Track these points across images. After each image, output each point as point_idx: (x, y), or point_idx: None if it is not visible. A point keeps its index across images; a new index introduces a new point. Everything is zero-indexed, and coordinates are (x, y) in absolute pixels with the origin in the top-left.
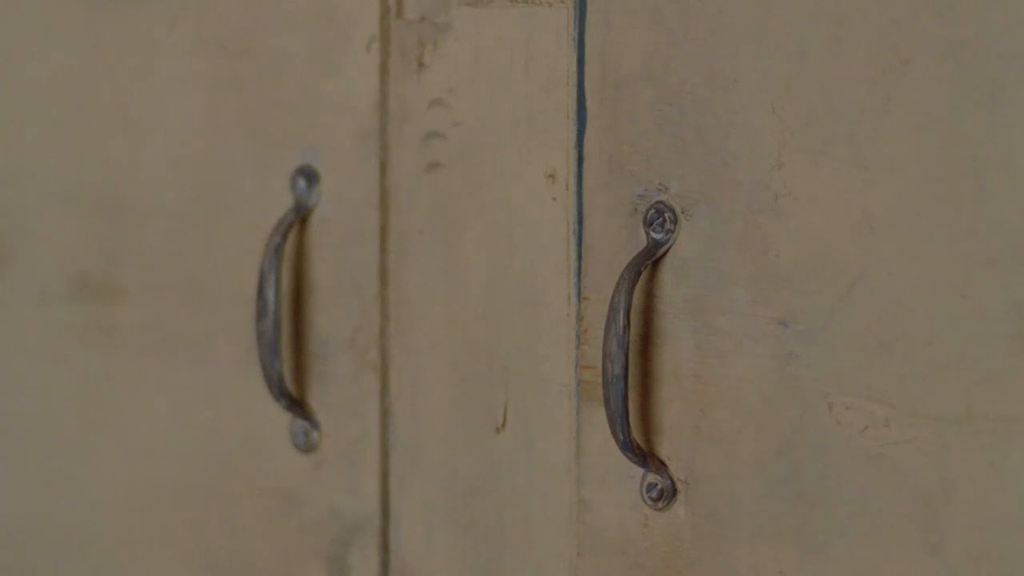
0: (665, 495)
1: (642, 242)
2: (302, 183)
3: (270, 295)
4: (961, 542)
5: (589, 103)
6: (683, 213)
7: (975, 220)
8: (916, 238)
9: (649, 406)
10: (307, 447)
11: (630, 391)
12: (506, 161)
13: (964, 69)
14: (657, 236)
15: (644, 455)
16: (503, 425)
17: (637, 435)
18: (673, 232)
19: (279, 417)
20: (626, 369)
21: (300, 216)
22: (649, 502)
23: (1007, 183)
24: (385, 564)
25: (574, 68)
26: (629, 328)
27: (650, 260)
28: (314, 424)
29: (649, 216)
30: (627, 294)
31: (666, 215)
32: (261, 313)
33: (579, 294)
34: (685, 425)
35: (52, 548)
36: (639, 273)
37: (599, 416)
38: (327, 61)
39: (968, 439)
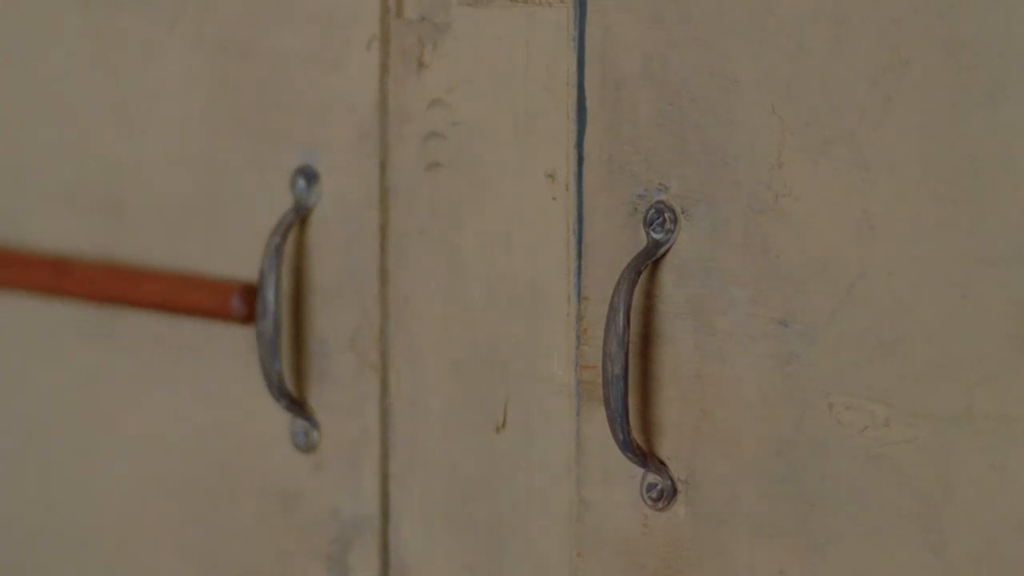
0: (665, 495)
1: (642, 242)
2: (302, 183)
3: (270, 295)
4: (961, 542)
5: (589, 103)
6: (683, 213)
7: (975, 220)
8: (916, 238)
9: (649, 406)
10: (307, 447)
11: (630, 391)
12: (506, 161)
13: (965, 69)
14: (657, 236)
15: (644, 455)
16: (503, 425)
17: (637, 435)
18: (673, 232)
19: (279, 417)
20: (626, 369)
21: (300, 216)
22: (649, 502)
23: (1007, 183)
24: (385, 564)
25: (574, 68)
26: (629, 328)
27: (650, 260)
28: (314, 424)
29: (649, 216)
30: (627, 294)
31: (666, 215)
32: (261, 313)
33: (579, 294)
34: (685, 425)
35: (52, 548)
36: (639, 273)
37: (599, 416)
38: (327, 61)
39: (968, 439)
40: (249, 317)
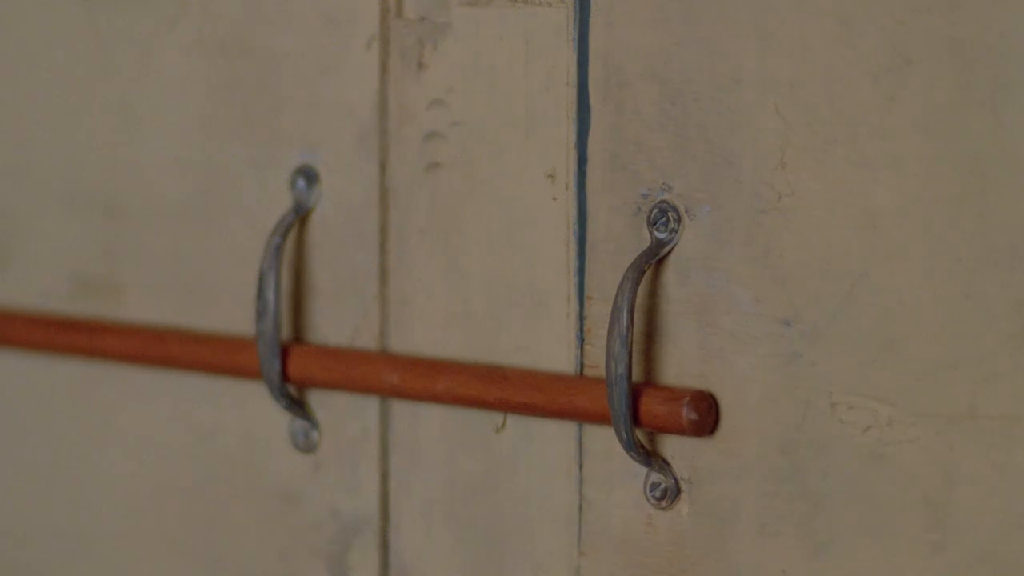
0: (668, 494)
1: (645, 241)
2: (302, 183)
3: (270, 295)
4: (964, 541)
5: (592, 102)
6: (687, 212)
7: (978, 219)
8: (919, 237)
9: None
10: (307, 447)
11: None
12: (506, 161)
13: (967, 68)
14: (660, 235)
15: (647, 454)
16: (503, 425)
17: (640, 434)
18: (677, 231)
19: (279, 417)
20: (630, 368)
21: (300, 216)
22: (652, 501)
23: (1010, 182)
24: (385, 564)
25: (574, 68)
26: (632, 327)
27: (653, 259)
28: (314, 424)
29: (653, 215)
30: (631, 293)
31: (669, 214)
32: (261, 313)
33: (582, 294)
34: None
35: (52, 548)
36: (642, 272)
37: None
38: (327, 61)
39: (971, 438)
40: (701, 428)
